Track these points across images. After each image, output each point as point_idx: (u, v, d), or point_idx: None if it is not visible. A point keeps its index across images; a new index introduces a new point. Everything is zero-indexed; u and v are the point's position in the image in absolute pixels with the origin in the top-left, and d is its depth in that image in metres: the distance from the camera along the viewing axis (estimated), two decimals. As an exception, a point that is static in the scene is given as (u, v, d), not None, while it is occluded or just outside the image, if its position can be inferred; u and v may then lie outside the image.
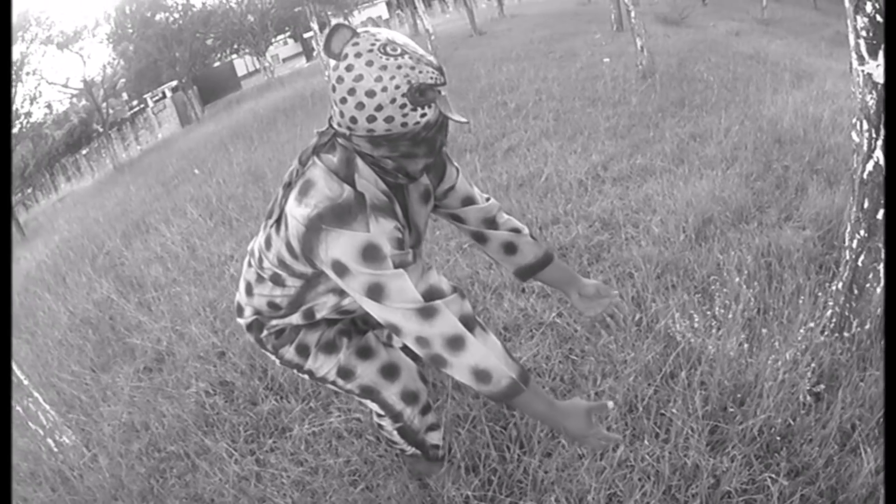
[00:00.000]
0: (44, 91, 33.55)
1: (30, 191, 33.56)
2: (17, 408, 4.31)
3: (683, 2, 22.47)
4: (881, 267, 3.20)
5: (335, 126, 2.13)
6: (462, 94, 12.47)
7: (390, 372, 2.71)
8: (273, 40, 43.41)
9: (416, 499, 3.06)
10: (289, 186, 2.20)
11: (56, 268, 9.73)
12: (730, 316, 3.59)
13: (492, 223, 2.78)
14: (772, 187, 5.54)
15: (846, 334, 3.36)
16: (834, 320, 3.45)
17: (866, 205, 3.15)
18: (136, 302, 6.64)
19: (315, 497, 3.25)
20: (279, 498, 3.26)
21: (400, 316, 2.07)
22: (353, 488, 3.22)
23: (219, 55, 44.62)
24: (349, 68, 1.94)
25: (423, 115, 2.01)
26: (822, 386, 3.12)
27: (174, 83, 38.85)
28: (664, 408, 3.17)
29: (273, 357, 2.71)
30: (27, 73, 28.47)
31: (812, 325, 3.38)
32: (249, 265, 2.55)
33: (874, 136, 3.03)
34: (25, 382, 4.41)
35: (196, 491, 3.52)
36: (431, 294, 2.10)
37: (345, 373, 2.66)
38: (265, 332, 2.62)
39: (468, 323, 2.12)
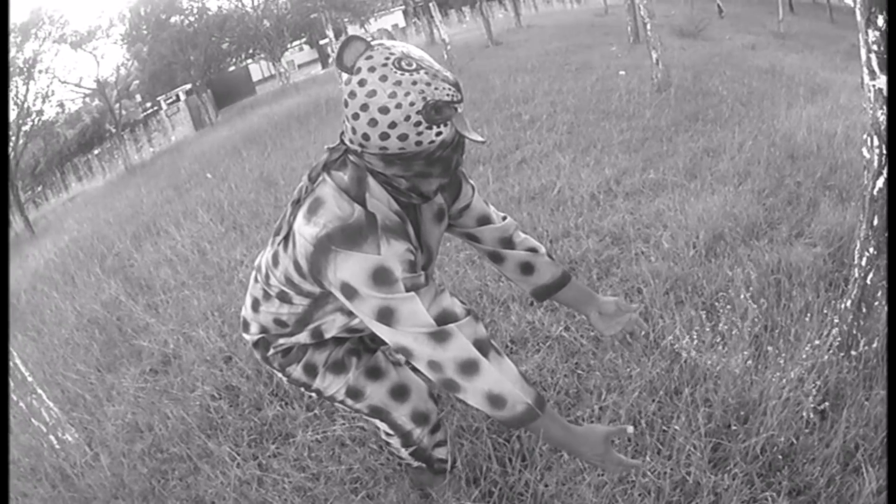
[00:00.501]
0: (56, 90, 33.55)
1: (40, 189, 33.63)
2: (20, 404, 4.31)
3: (700, 14, 22.48)
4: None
5: (347, 142, 2.07)
6: (477, 105, 12.45)
7: (400, 393, 2.66)
8: (289, 46, 43.39)
9: (414, 507, 3.02)
10: (298, 203, 2.14)
11: (65, 267, 9.74)
12: (735, 332, 3.56)
13: (508, 243, 2.72)
14: (783, 203, 5.50)
15: (853, 353, 3.32)
16: (841, 339, 3.41)
17: (876, 222, 3.12)
18: (144, 304, 6.65)
19: (315, 503, 3.23)
20: (280, 503, 3.25)
21: (411, 340, 2.03)
22: (354, 496, 3.20)
23: (234, 60, 44.73)
24: (362, 83, 1.88)
25: (438, 134, 1.95)
26: (827, 404, 3.07)
27: (188, 86, 38.97)
28: (667, 424, 3.14)
29: (280, 375, 2.64)
30: (39, 72, 28.55)
31: (818, 342, 3.34)
32: (256, 281, 2.49)
33: (885, 152, 3.00)
34: (30, 379, 4.42)
35: (197, 493, 3.50)
36: (444, 318, 2.04)
37: (354, 393, 2.61)
38: (272, 351, 2.56)
39: (482, 347, 2.07)
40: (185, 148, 25.92)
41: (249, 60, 47.43)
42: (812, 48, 19.21)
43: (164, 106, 39.92)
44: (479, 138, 2.00)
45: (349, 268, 1.97)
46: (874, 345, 3.29)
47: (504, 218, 2.73)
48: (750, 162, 6.70)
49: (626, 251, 5.18)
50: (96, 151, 36.92)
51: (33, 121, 28.94)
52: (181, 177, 15.18)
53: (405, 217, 2.15)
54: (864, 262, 3.24)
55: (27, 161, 30.64)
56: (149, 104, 42.69)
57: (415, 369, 2.78)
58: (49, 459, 4.20)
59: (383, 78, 1.86)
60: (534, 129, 9.87)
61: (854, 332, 3.36)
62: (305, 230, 2.03)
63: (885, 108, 2.94)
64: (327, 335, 2.49)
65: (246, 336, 2.62)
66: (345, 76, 1.95)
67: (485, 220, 2.66)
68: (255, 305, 2.49)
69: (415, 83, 1.87)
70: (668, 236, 5.17)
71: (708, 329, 3.65)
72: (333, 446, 3.58)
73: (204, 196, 11.25)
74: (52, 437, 4.33)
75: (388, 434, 2.75)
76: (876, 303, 3.24)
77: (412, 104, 1.87)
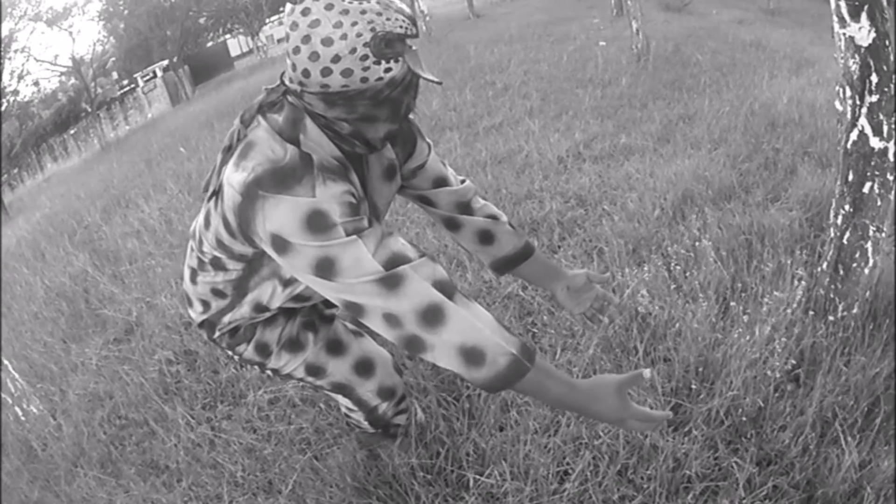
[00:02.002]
0: (32, 69, 33.28)
1: (15, 171, 33.32)
2: (-13, 379, 4.25)
3: None
4: (869, 245, 3.00)
5: (286, 82, 1.88)
6: (450, 73, 12.31)
7: (365, 368, 2.49)
8: (267, 21, 42.72)
9: (362, 468, 2.90)
10: (229, 150, 1.92)
11: (35, 243, 9.67)
12: (700, 291, 3.42)
13: (466, 208, 2.48)
14: (760, 168, 5.35)
15: (831, 318, 3.16)
16: (817, 304, 3.24)
17: (851, 177, 2.96)
18: (110, 274, 6.59)
19: (265, 464, 3.15)
20: (230, 464, 3.18)
21: (359, 292, 1.72)
22: (301, 456, 3.10)
23: (211, 35, 44.32)
24: (305, 12, 1.70)
25: (387, 70, 1.75)
26: (801, 371, 2.91)
27: (165, 63, 38.51)
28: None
29: (231, 354, 2.40)
30: (15, 51, 28.30)
31: (795, 305, 3.18)
32: (191, 249, 2.24)
33: (858, 102, 2.85)
34: (-2, 355, 4.37)
35: (152, 457, 3.47)
36: (394, 261, 1.74)
37: (314, 370, 2.42)
38: (217, 333, 2.34)
39: (445, 289, 1.76)
40: (160, 123, 25.78)
41: (227, 35, 46.68)
42: (802, 25, 18.94)
43: (140, 83, 39.27)
44: (435, 78, 1.82)
45: (279, 215, 1.70)
46: (854, 310, 3.13)
47: (463, 181, 2.50)
48: (727, 129, 6.54)
49: (590, 213, 5.06)
50: (72, 131, 36.37)
51: (8, 101, 28.65)
52: (153, 151, 15.08)
53: (347, 165, 1.91)
54: (839, 221, 3.07)
55: (3, 142, 30.34)
56: (126, 82, 42.13)
57: (374, 335, 2.56)
58: (15, 432, 4.18)
59: (329, 6, 1.68)
60: (506, 97, 9.74)
61: (831, 295, 3.20)
62: (234, 178, 1.79)
63: (856, 56, 2.80)
64: (272, 306, 2.23)
65: (191, 313, 2.38)
66: (288, 6, 1.77)
67: (441, 182, 2.43)
68: (193, 276, 2.25)
69: (364, 12, 1.68)
70: (634, 198, 5.03)
71: (671, 287, 3.51)
72: (285, 407, 3.51)
73: (174, 168, 11.24)
74: (17, 409, 4.33)
75: (350, 409, 2.60)
76: (854, 264, 3.08)
77: (359, 35, 1.68)
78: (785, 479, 2.47)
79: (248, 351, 2.35)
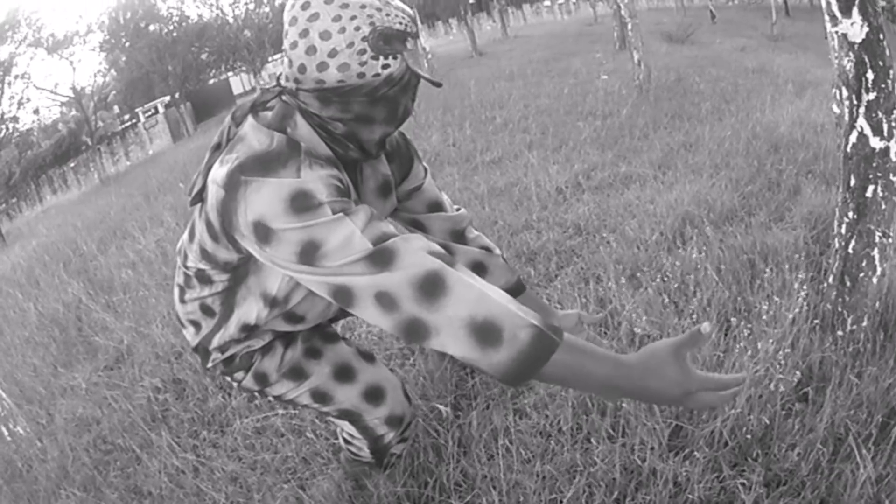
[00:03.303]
0: (32, 96, 33.44)
1: (14, 201, 33.31)
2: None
3: (692, 21, 22.48)
4: (875, 253, 2.86)
5: (282, 82, 1.81)
6: (450, 108, 12.27)
7: (375, 395, 2.33)
8: (270, 58, 42.89)
9: (347, 497, 2.78)
10: (217, 149, 1.84)
11: (30, 270, 9.67)
12: (700, 310, 3.29)
13: (459, 236, 2.41)
14: (762, 189, 5.24)
15: (839, 333, 2.99)
16: (824, 320, 3.09)
17: (853, 182, 2.84)
18: (103, 303, 6.50)
19: (248, 492, 3.04)
20: (213, 492, 3.06)
21: (347, 272, 1.55)
22: (285, 485, 2.98)
23: (213, 71, 44.54)
24: (305, 6, 1.65)
25: (385, 67, 1.69)
26: (810, 389, 2.74)
27: (167, 98, 38.66)
28: (619, 407, 2.79)
29: (230, 380, 2.28)
30: (15, 76, 28.35)
31: (801, 321, 3.03)
32: (178, 267, 2.13)
33: (855, 102, 2.74)
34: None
35: (135, 483, 3.38)
36: (385, 238, 1.58)
37: (320, 397, 2.29)
38: (211, 362, 2.21)
39: (442, 258, 1.58)
40: (161, 158, 26.04)
41: (230, 73, 47.04)
42: (805, 49, 19.07)
43: (142, 118, 39.44)
44: (434, 79, 1.74)
45: (261, 200, 1.58)
46: (863, 323, 2.97)
47: (458, 209, 2.43)
48: (729, 153, 6.45)
49: (588, 241, 4.93)
50: (72, 164, 36.43)
51: (7, 127, 28.71)
52: (152, 185, 15.08)
53: (339, 163, 1.81)
54: (843, 230, 2.94)
55: (1, 170, 30.39)
56: (127, 116, 42.36)
57: (372, 364, 2.41)
58: (0, 451, 4.16)
59: (329, 1, 1.63)
60: (506, 132, 9.68)
61: (839, 309, 3.04)
62: (218, 173, 1.69)
63: (850, 54, 2.70)
64: (261, 325, 2.07)
65: (186, 336, 2.26)
66: (289, 1, 1.71)
67: (436, 207, 2.36)
68: (181, 295, 2.15)
69: (363, 7, 1.64)
70: (634, 225, 4.92)
71: (670, 309, 3.37)
72: (271, 437, 3.39)
73: (172, 201, 11.24)
74: (3, 429, 4.33)
75: (351, 436, 2.45)
76: (861, 274, 2.93)
77: (357, 29, 1.64)
78: (797, 501, 2.31)
79: (247, 380, 2.23)
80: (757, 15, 32.72)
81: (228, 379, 2.27)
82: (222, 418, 3.71)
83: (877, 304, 2.98)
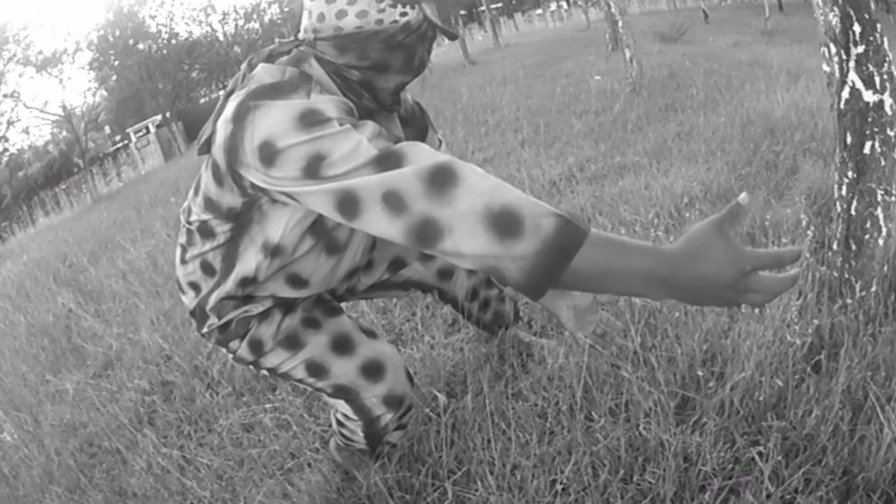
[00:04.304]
0: (21, 116, 33.48)
1: (6, 224, 33.25)
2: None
3: (683, 20, 22.56)
4: (879, 212, 2.73)
5: (300, 35, 1.83)
6: (441, 112, 12.25)
7: (374, 371, 2.21)
8: (260, 75, 42.86)
9: (335, 489, 2.66)
10: (230, 95, 1.81)
11: (21, 284, 9.63)
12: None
13: None
14: (760, 170, 5.16)
15: (849, 301, 2.85)
16: (832, 289, 2.96)
17: (849, 139, 2.74)
18: (93, 312, 6.48)
19: (235, 489, 2.93)
20: (199, 489, 2.96)
21: (353, 177, 1.47)
22: (272, 480, 2.86)
23: (204, 90, 44.59)
24: None
25: (402, 15, 1.73)
26: (822, 356, 2.59)
27: (158, 118, 38.69)
28: (622, 382, 2.65)
29: (225, 351, 2.26)
30: (4, 95, 28.33)
31: (809, 293, 2.89)
32: (182, 226, 2.13)
33: (844, 57, 2.66)
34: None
35: (121, 485, 3.30)
36: (391, 146, 1.52)
37: (316, 370, 2.20)
38: (207, 326, 2.17)
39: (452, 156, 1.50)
40: (152, 176, 26.34)
41: (221, 92, 46.70)
42: (800, 41, 19.04)
43: (133, 138, 39.45)
44: (451, 30, 1.81)
45: (269, 120, 1.56)
46: (873, 289, 2.83)
47: None
48: (724, 139, 6.38)
49: (583, 228, 4.80)
50: (63, 186, 36.36)
51: (-4, 146, 28.77)
52: (143, 201, 15.14)
53: (353, 107, 1.74)
54: (844, 191, 2.82)
55: (-7, 192, 30.49)
56: (118, 137, 42.40)
57: (373, 339, 2.32)
58: None
59: None
60: (498, 132, 9.65)
61: (846, 276, 2.90)
62: (227, 110, 1.68)
63: (835, 8, 2.62)
64: (260, 278, 2.04)
65: (183, 299, 2.24)
66: None
67: None
68: (183, 254, 2.14)
69: None
70: (629, 209, 4.81)
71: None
72: (259, 432, 3.31)
73: (163, 213, 11.33)
74: None
75: (346, 417, 2.31)
76: (866, 236, 2.79)
77: None
78: (818, 469, 2.15)
79: (242, 348, 2.19)
80: (750, 12, 32.98)
81: (224, 350, 2.24)
82: (209, 416, 3.64)
83: (885, 268, 2.85)
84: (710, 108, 8.20)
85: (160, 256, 7.83)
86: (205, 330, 2.18)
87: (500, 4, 55.31)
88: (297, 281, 2.09)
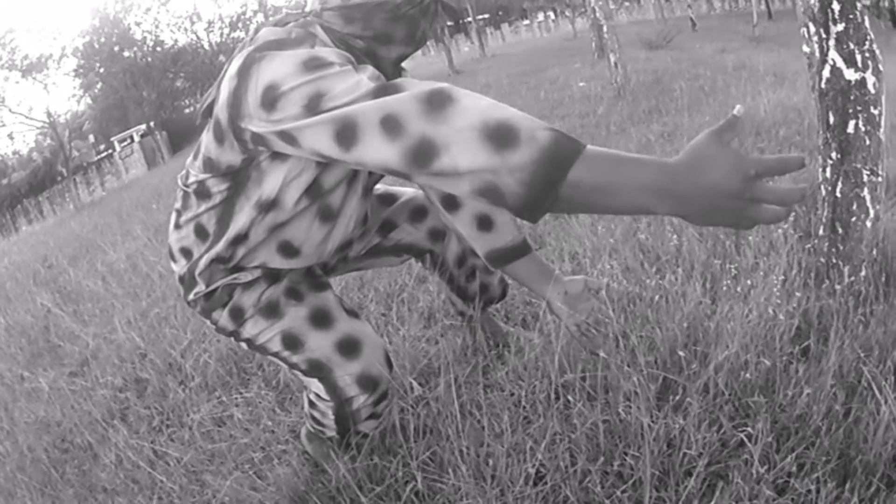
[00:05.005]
0: (6, 121, 33.50)
1: (-10, 233, 33.32)
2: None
3: (671, 28, 22.73)
4: (865, 193, 2.67)
5: (307, 7, 1.91)
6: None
7: (350, 347, 2.15)
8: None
9: (303, 481, 2.59)
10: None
11: (1, 285, 9.68)
12: (682, 271, 3.10)
13: None
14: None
15: (837, 287, 2.76)
16: (819, 276, 2.91)
17: (832, 119, 2.70)
18: (71, 312, 6.47)
19: (203, 483, 2.86)
20: (169, 483, 2.92)
21: (351, 105, 1.47)
22: (241, 473, 2.80)
23: (189, 100, 44.57)
24: None
25: None
26: (811, 341, 2.51)
27: (143, 128, 38.63)
28: (601, 366, 2.53)
29: (208, 322, 2.28)
30: (-10, 100, 28.34)
31: (796, 277, 2.83)
32: (178, 191, 2.17)
33: (824, 35, 2.62)
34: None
35: (91, 481, 3.26)
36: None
37: (291, 341, 2.17)
38: (193, 294, 2.19)
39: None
40: (135, 184, 26.60)
41: (207, 102, 46.85)
42: (788, 46, 19.20)
43: (117, 147, 39.31)
44: (453, 5, 1.91)
45: (273, 66, 1.61)
46: (862, 273, 2.77)
47: None
48: (709, 140, 6.33)
49: (565, 225, 4.77)
50: (47, 195, 36.42)
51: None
52: (126, 206, 15.22)
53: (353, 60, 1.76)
54: (828, 173, 2.77)
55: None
56: (102, 147, 42.33)
57: (354, 318, 2.28)
58: None
59: None
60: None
61: (834, 261, 2.85)
62: (232, 66, 1.74)
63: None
64: (252, 235, 2.05)
65: (174, 267, 2.26)
66: None
67: None
68: (177, 218, 2.17)
69: None
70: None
71: (650, 276, 3.17)
72: (231, 428, 3.24)
73: (144, 218, 11.42)
74: None
75: (318, 397, 2.24)
76: (853, 219, 2.74)
77: None
78: (812, 451, 2.08)
79: (223, 318, 2.21)
80: (739, 20, 33.43)
81: (207, 322, 2.27)
82: (181, 411, 3.61)
83: (874, 252, 2.79)
84: (695, 109, 8.21)
85: (139, 259, 7.77)
86: (191, 297, 2.20)
87: (486, 16, 55.47)
88: (288, 249, 2.12)
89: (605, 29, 11.40)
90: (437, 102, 1.39)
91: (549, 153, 1.30)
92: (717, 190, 1.23)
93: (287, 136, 1.60)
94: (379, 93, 1.46)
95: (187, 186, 2.06)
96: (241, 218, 2.00)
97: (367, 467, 2.45)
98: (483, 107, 1.38)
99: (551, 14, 56.19)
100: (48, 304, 6.88)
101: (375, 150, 1.45)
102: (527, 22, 57.51)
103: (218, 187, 1.97)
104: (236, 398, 3.46)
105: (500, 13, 62.12)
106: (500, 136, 1.32)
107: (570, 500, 2.13)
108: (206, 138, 1.92)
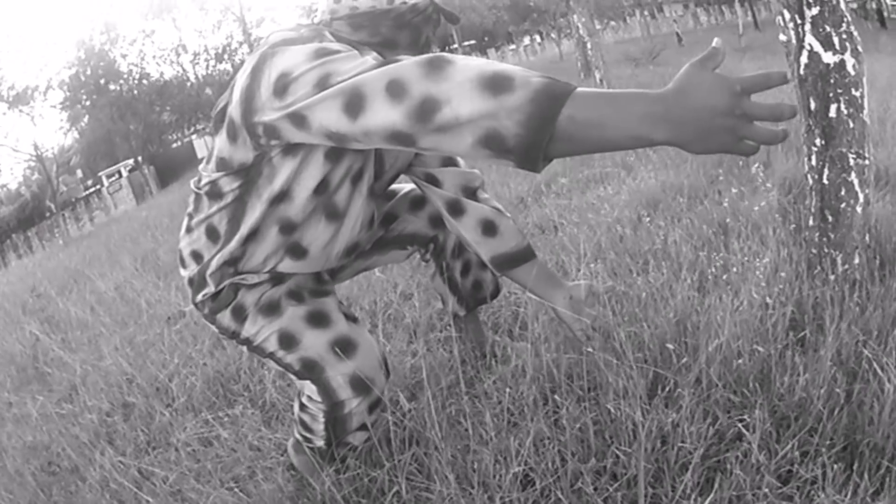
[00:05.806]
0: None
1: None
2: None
3: (657, 44, 22.87)
4: (853, 177, 2.63)
5: (317, 19, 2.08)
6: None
7: (344, 347, 2.15)
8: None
9: (288, 497, 2.56)
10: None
11: None
12: (671, 271, 3.06)
13: (472, 194, 2.47)
14: (732, 168, 5.13)
15: (831, 277, 2.72)
16: (810, 267, 2.86)
17: (813, 105, 2.67)
18: (59, 341, 6.43)
19: (188, 501, 2.83)
20: (154, 503, 2.88)
21: (356, 78, 1.57)
22: (226, 490, 2.76)
23: (176, 134, 44.59)
24: None
25: None
26: (807, 331, 2.46)
27: (131, 162, 38.65)
28: (590, 365, 2.51)
29: (213, 327, 2.30)
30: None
31: (787, 268, 2.80)
32: (190, 197, 2.24)
33: (799, 21, 2.61)
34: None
35: (78, 502, 3.25)
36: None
37: (287, 340, 2.17)
38: (201, 295, 2.21)
39: None
40: (124, 217, 26.67)
41: (194, 136, 46.61)
42: (774, 53, 19.30)
43: (105, 182, 39.29)
44: (454, 12, 2.06)
45: (285, 57, 1.74)
46: (855, 260, 2.73)
47: (472, 168, 2.51)
48: (696, 148, 6.31)
49: (551, 237, 4.80)
50: (36, 230, 36.37)
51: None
52: (114, 239, 15.36)
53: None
54: (814, 161, 2.73)
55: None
56: (90, 182, 42.35)
57: (352, 322, 2.30)
58: None
59: None
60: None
61: (825, 250, 2.79)
62: (247, 64, 1.87)
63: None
64: (262, 229, 2.10)
65: (183, 272, 2.29)
66: None
67: (450, 162, 2.47)
68: (189, 221, 2.23)
69: None
70: (596, 216, 4.76)
71: (638, 273, 3.16)
72: (217, 448, 3.21)
73: (131, 248, 11.58)
74: None
75: (310, 399, 2.22)
76: (842, 205, 2.69)
77: None
78: (815, 438, 2.03)
79: (226, 317, 2.23)
80: (725, 32, 33.50)
81: (212, 326, 2.30)
82: (167, 433, 3.60)
83: (867, 238, 2.74)
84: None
85: (127, 288, 7.83)
86: (199, 298, 2.22)
87: (472, 42, 55.80)
88: (296, 250, 2.16)
89: (589, 45, 11.36)
90: (437, 65, 1.47)
91: (543, 92, 1.35)
92: (707, 109, 1.27)
93: (297, 118, 1.67)
94: (382, 64, 1.55)
95: (199, 189, 2.12)
96: (253, 215, 2.06)
97: (352, 479, 2.40)
98: (480, 63, 1.45)
99: (537, 37, 56.45)
100: (37, 333, 6.85)
101: (382, 115, 1.51)
102: (513, 46, 57.68)
103: (230, 186, 2.03)
104: (223, 418, 3.43)
105: (486, 38, 62.29)
106: (497, 84, 1.39)
107: (562, 502, 2.07)
108: (219, 139, 1.99)
